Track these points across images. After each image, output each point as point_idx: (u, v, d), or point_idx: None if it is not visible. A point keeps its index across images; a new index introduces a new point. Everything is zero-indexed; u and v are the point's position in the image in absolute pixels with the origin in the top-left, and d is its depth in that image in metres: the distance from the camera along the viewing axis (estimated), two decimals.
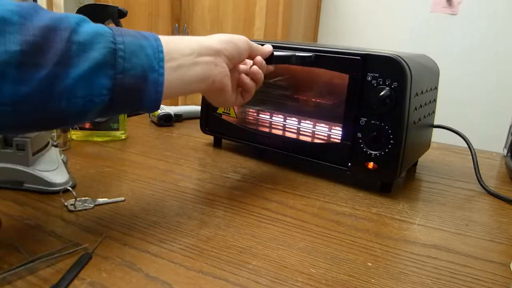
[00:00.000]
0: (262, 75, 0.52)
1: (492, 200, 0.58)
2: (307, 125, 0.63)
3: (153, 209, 0.47)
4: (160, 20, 2.27)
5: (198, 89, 0.45)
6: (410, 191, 0.59)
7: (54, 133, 0.64)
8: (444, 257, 0.41)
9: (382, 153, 0.54)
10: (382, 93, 0.52)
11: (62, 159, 0.53)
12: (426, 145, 0.68)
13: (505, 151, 0.75)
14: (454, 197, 0.58)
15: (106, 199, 0.48)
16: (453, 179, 0.65)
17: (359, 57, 0.54)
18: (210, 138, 0.75)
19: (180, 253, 0.38)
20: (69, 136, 0.67)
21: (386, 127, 0.53)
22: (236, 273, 0.36)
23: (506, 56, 2.03)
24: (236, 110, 0.69)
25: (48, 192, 0.48)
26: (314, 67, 0.60)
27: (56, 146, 0.58)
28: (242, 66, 0.52)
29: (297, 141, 0.63)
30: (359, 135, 0.55)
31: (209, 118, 0.72)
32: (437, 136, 0.74)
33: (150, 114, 0.88)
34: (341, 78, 0.57)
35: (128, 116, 0.81)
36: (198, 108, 0.79)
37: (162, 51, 0.39)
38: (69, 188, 0.48)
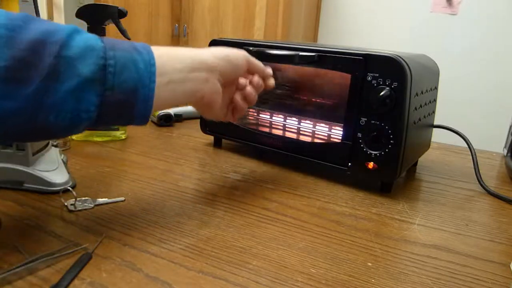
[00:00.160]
0: (256, 96, 0.51)
1: (492, 200, 0.58)
2: (307, 125, 0.63)
3: (153, 209, 0.47)
4: (160, 20, 2.27)
5: (186, 102, 0.45)
6: (410, 191, 0.59)
7: None
8: (444, 257, 0.41)
9: (382, 153, 0.54)
10: (382, 93, 0.52)
11: (62, 159, 0.53)
12: (426, 145, 0.68)
13: (505, 151, 0.75)
14: (454, 197, 0.58)
15: (106, 199, 0.48)
16: (453, 179, 0.65)
17: (361, 57, 0.54)
18: (210, 138, 0.75)
19: (180, 253, 0.38)
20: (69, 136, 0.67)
21: (386, 127, 0.53)
22: (236, 273, 0.36)
23: (506, 56, 2.03)
24: None
25: (48, 192, 0.48)
26: (315, 67, 0.60)
27: (56, 146, 0.58)
28: (241, 80, 0.50)
29: (297, 141, 0.63)
30: (359, 135, 0.55)
31: None
32: (437, 136, 0.74)
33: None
34: (342, 78, 0.57)
35: None
36: None
37: (154, 65, 0.39)
38: (69, 188, 0.48)
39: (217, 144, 0.74)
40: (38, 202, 0.46)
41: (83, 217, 0.44)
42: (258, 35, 2.06)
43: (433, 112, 0.68)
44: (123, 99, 0.37)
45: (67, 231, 0.41)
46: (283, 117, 0.65)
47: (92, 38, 0.36)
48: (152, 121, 0.87)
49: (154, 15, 2.24)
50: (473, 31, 2.07)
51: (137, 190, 0.52)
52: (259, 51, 0.62)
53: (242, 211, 0.48)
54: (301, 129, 0.63)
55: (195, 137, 0.78)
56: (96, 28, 0.64)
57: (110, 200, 0.48)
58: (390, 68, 0.52)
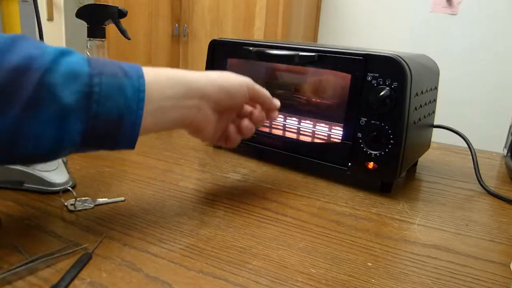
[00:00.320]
0: (253, 130, 0.49)
1: (492, 200, 0.58)
2: (307, 125, 0.63)
3: (153, 209, 0.47)
4: (160, 20, 2.27)
5: (173, 128, 0.44)
6: (410, 191, 0.59)
7: None
8: (444, 257, 0.41)
9: (382, 153, 0.54)
10: (382, 93, 0.52)
11: (62, 159, 0.53)
12: (426, 145, 0.68)
13: (505, 151, 0.75)
14: (454, 197, 0.58)
15: (106, 199, 0.48)
16: (453, 179, 0.65)
17: (361, 57, 0.54)
18: None
19: (180, 253, 0.38)
20: None
21: (386, 127, 0.53)
22: (236, 273, 0.36)
23: (506, 56, 2.03)
24: None
25: (48, 192, 0.48)
26: (315, 67, 0.60)
27: None
28: (245, 109, 0.49)
29: (297, 141, 0.63)
30: (359, 135, 0.55)
31: None
32: (437, 136, 0.74)
33: None
34: (342, 78, 0.57)
35: None
36: None
37: (143, 91, 0.37)
38: (69, 188, 0.48)
39: None
40: (38, 202, 0.46)
41: (83, 217, 0.44)
42: (258, 35, 2.06)
43: (433, 112, 0.68)
44: (108, 127, 0.35)
45: (67, 231, 0.41)
46: (283, 117, 0.65)
47: (78, 63, 0.34)
48: None
49: (154, 15, 2.24)
50: (473, 31, 2.07)
51: (137, 190, 0.52)
52: (259, 51, 0.62)
53: (242, 211, 0.48)
54: (301, 129, 0.63)
55: None
56: (96, 28, 0.64)
57: (110, 200, 0.48)
58: (390, 68, 0.52)
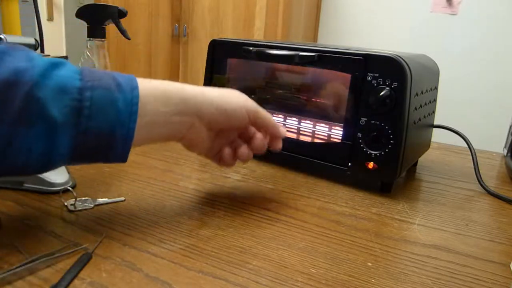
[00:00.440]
0: (251, 157, 0.47)
1: (492, 200, 0.58)
2: (307, 125, 0.63)
3: (153, 209, 0.47)
4: (160, 20, 2.27)
5: (165, 141, 0.43)
6: (410, 191, 0.59)
7: None
8: (444, 257, 0.41)
9: (382, 153, 0.54)
10: (382, 93, 0.52)
11: None
12: (426, 145, 0.68)
13: (505, 151, 0.75)
14: (454, 197, 0.58)
15: (106, 199, 0.48)
16: (453, 179, 0.65)
17: (361, 57, 0.54)
18: None
19: (180, 253, 0.38)
20: None
21: (386, 127, 0.53)
22: (236, 273, 0.36)
23: (506, 56, 2.03)
24: None
25: (48, 192, 0.48)
26: (315, 67, 0.60)
27: None
28: (251, 129, 0.47)
29: (297, 141, 0.63)
30: (359, 135, 0.55)
31: None
32: (437, 136, 0.74)
33: None
34: (342, 78, 0.57)
35: None
36: None
37: (137, 103, 0.36)
38: (69, 188, 0.48)
39: None
40: (38, 202, 0.46)
41: (83, 217, 0.44)
42: (258, 35, 2.06)
43: (433, 112, 0.68)
44: (99, 142, 0.35)
45: (67, 231, 0.41)
46: (283, 117, 0.65)
47: (69, 77, 0.34)
48: None
49: (154, 15, 2.24)
50: (473, 31, 2.07)
51: (137, 190, 0.52)
52: (259, 51, 0.62)
53: (242, 211, 0.48)
54: (301, 129, 0.63)
55: None
56: (96, 28, 0.64)
57: (110, 200, 0.48)
58: (390, 68, 0.52)
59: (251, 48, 0.63)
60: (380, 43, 2.22)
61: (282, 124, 0.65)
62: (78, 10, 0.64)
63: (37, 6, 0.79)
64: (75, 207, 0.45)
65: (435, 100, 0.67)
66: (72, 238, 0.39)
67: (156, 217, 0.45)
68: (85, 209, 0.45)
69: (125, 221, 0.44)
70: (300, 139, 0.63)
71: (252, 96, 0.68)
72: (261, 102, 0.67)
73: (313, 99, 0.63)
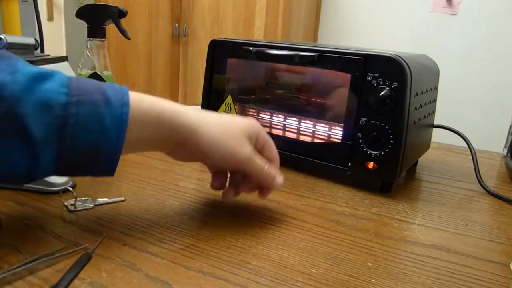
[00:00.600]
0: (235, 198, 0.46)
1: (492, 200, 0.58)
2: (307, 125, 0.63)
3: (153, 209, 0.47)
4: (160, 20, 2.27)
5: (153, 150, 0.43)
6: (410, 191, 0.59)
7: None
8: (444, 257, 0.41)
9: (382, 153, 0.54)
10: (382, 93, 0.52)
11: None
12: (426, 145, 0.68)
13: (505, 151, 0.75)
14: (454, 197, 0.58)
15: (106, 199, 0.48)
16: (453, 179, 0.65)
17: (361, 57, 0.54)
18: None
19: (180, 253, 0.38)
20: None
21: (386, 127, 0.53)
22: (236, 273, 0.36)
23: (506, 56, 2.03)
24: (236, 110, 0.69)
25: (48, 192, 0.48)
26: (315, 67, 0.60)
27: None
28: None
29: (297, 141, 0.63)
30: (359, 135, 0.55)
31: None
32: (437, 136, 0.74)
33: None
34: (342, 78, 0.57)
35: None
36: (198, 108, 0.79)
37: (126, 120, 0.35)
38: (69, 188, 0.48)
39: None
40: (38, 202, 0.46)
41: (83, 217, 0.44)
42: (258, 35, 2.06)
43: (433, 112, 0.68)
44: (83, 158, 0.35)
45: (67, 231, 0.41)
46: (283, 117, 0.65)
47: (54, 92, 0.32)
48: None
49: (154, 15, 2.24)
50: (473, 31, 2.07)
51: (137, 190, 0.52)
52: (259, 51, 0.62)
53: (242, 211, 0.48)
54: (301, 129, 0.63)
55: None
56: (96, 28, 0.64)
57: (110, 200, 0.48)
58: (390, 68, 0.52)
59: (251, 48, 0.63)
60: (380, 43, 2.22)
61: (282, 125, 0.65)
62: (78, 10, 0.64)
63: (37, 6, 0.79)
64: (75, 207, 0.45)
65: (435, 100, 0.67)
66: (72, 238, 0.39)
67: (156, 217, 0.45)
68: (85, 209, 0.45)
69: (125, 221, 0.44)
70: (300, 139, 0.63)
71: (252, 96, 0.69)
72: (261, 102, 0.68)
73: (313, 99, 0.63)
